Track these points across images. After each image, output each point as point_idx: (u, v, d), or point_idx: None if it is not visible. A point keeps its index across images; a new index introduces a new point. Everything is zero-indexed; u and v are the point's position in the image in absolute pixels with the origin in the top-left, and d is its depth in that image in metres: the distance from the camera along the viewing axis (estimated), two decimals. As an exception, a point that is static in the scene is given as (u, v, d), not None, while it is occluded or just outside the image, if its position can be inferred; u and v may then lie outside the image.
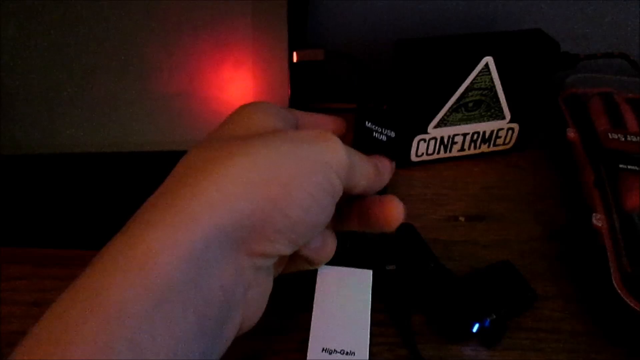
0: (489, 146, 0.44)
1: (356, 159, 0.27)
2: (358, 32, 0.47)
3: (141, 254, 0.20)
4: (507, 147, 0.44)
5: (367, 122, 0.38)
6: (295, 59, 0.40)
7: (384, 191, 0.37)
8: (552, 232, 0.39)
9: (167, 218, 0.21)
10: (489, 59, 0.38)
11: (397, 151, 0.41)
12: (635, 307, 0.30)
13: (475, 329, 0.30)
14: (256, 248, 0.23)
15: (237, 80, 0.40)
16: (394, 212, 0.28)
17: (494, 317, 0.31)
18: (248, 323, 0.25)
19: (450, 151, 0.43)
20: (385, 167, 0.31)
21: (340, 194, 0.27)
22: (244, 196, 0.22)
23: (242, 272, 0.23)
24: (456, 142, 0.43)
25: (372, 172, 0.29)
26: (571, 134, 0.42)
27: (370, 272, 0.32)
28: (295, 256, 0.28)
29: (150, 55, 0.41)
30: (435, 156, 0.43)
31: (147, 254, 0.20)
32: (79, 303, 0.19)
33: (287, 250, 0.25)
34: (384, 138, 0.39)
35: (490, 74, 0.39)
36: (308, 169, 0.24)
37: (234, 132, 0.26)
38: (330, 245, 0.29)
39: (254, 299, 0.24)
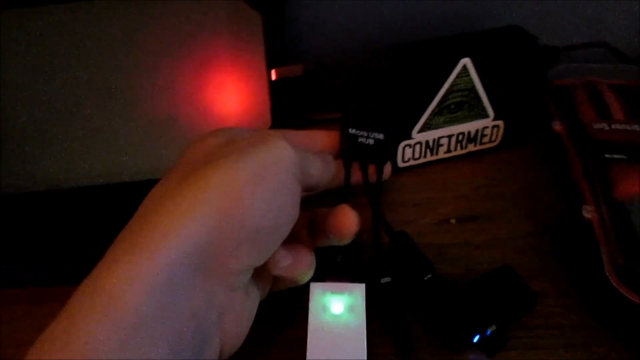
0: (475, 145, 0.44)
1: (302, 152, 0.27)
2: (337, 42, 0.47)
3: (106, 294, 0.20)
4: (495, 144, 0.44)
5: (350, 129, 0.37)
6: (274, 77, 0.40)
7: (378, 194, 0.36)
8: (545, 227, 0.38)
9: (127, 256, 0.21)
10: (466, 61, 0.38)
11: (390, 152, 0.40)
12: (631, 299, 0.30)
13: (476, 340, 0.30)
14: (222, 267, 0.23)
15: (218, 103, 0.41)
16: (346, 221, 0.28)
17: (495, 328, 0.30)
18: (229, 347, 0.25)
19: (437, 154, 0.43)
20: (329, 157, 0.32)
21: (299, 190, 0.27)
22: (197, 219, 0.22)
23: (214, 296, 0.23)
24: (442, 145, 0.43)
25: (320, 162, 0.29)
26: (557, 126, 0.41)
27: (363, 285, 0.31)
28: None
29: (131, 85, 0.41)
30: (422, 160, 0.43)
31: (111, 294, 0.20)
32: (48, 353, 0.19)
33: (255, 262, 0.25)
34: (372, 142, 0.37)
35: (469, 74, 0.39)
36: (258, 173, 0.24)
37: (191, 160, 0.26)
38: (305, 261, 0.29)
39: (232, 321, 0.24)
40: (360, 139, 0.36)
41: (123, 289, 0.20)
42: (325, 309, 0.30)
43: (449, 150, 0.43)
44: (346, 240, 0.29)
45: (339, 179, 0.35)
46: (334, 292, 0.31)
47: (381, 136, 0.36)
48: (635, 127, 0.39)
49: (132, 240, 0.22)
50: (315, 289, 0.31)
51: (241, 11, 0.40)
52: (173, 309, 0.21)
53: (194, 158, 0.26)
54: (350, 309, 0.30)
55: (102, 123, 0.41)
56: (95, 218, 0.40)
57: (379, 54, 0.39)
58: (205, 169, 0.24)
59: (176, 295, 0.21)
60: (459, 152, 0.44)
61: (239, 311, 0.25)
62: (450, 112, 0.41)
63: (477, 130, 0.43)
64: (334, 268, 0.33)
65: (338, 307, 0.31)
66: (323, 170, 0.30)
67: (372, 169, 0.37)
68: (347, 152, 0.36)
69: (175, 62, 0.41)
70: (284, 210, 0.25)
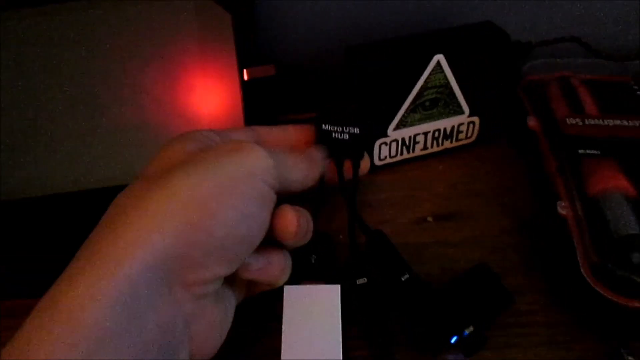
0: (452, 142, 0.43)
1: (282, 157, 0.27)
2: (310, 42, 0.46)
3: (66, 309, 0.19)
4: (471, 140, 0.44)
5: (324, 125, 0.36)
6: (246, 77, 0.39)
7: (354, 190, 0.36)
8: (522, 223, 0.38)
9: (89, 268, 0.20)
10: (439, 57, 0.38)
11: (365, 146, 0.38)
12: (606, 295, 0.30)
13: (453, 341, 0.30)
14: (189, 277, 0.22)
15: (190, 105, 0.40)
16: (284, 222, 0.27)
17: (472, 329, 0.30)
18: (201, 356, 0.24)
19: (413, 151, 0.43)
20: (317, 155, 0.32)
21: (274, 199, 0.26)
22: (162, 229, 0.22)
23: (180, 306, 0.22)
24: (418, 142, 0.42)
25: (304, 165, 0.29)
26: (532, 122, 0.41)
27: (338, 287, 0.31)
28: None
29: (101, 89, 0.40)
30: (399, 158, 0.43)
31: (71, 309, 0.19)
32: None
33: (225, 271, 0.24)
34: (347, 137, 0.36)
35: (443, 71, 0.39)
36: (228, 183, 0.24)
37: (158, 167, 0.25)
38: (277, 263, 0.28)
39: (201, 330, 0.24)
40: (334, 134, 0.36)
41: (84, 305, 0.19)
42: (299, 310, 0.30)
43: (425, 148, 0.43)
44: (288, 241, 0.28)
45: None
46: (308, 294, 0.31)
47: (357, 130, 0.35)
48: (609, 122, 0.39)
49: (94, 251, 0.21)
50: (289, 291, 0.31)
51: (210, 11, 0.40)
52: (138, 323, 0.20)
53: (162, 164, 0.25)
54: (325, 310, 0.30)
55: (70, 130, 0.40)
56: (67, 226, 0.39)
57: (352, 53, 0.38)
58: (172, 176, 0.23)
59: (141, 309, 0.21)
60: (436, 149, 0.44)
61: (210, 320, 0.25)
62: (425, 109, 0.40)
63: (452, 127, 0.43)
64: (309, 270, 0.33)
65: (312, 308, 0.30)
66: (307, 172, 0.30)
67: (348, 166, 0.36)
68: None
69: (144, 63, 0.40)
70: (256, 220, 0.25)
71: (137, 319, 0.20)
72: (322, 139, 0.35)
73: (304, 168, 0.30)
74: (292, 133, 0.35)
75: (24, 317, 0.34)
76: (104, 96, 0.40)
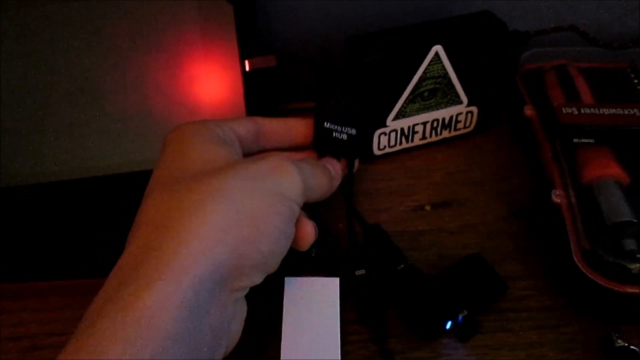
0: (450, 131, 0.44)
1: (309, 177, 0.29)
2: (310, 32, 0.47)
3: (138, 312, 0.21)
4: (469, 130, 0.45)
5: (325, 123, 0.37)
6: (247, 68, 0.40)
7: (350, 188, 0.37)
8: (518, 211, 0.39)
9: (156, 274, 0.22)
10: (438, 48, 0.39)
11: (361, 148, 0.40)
12: (598, 281, 0.31)
13: (448, 326, 0.31)
14: (235, 284, 0.25)
15: (192, 96, 0.40)
16: (306, 235, 0.30)
17: (466, 313, 0.31)
18: (230, 348, 0.26)
19: (412, 141, 0.43)
20: (336, 170, 0.33)
21: (298, 214, 0.28)
22: (222, 242, 0.23)
23: (226, 309, 0.24)
24: (417, 132, 0.43)
25: (325, 182, 0.31)
26: (528, 111, 0.42)
27: (337, 280, 0.32)
28: None
29: (104, 78, 0.41)
30: (397, 147, 0.43)
31: (143, 312, 0.21)
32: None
33: (260, 279, 0.26)
34: (345, 137, 0.38)
35: (441, 61, 0.39)
36: (270, 202, 0.26)
37: (188, 168, 0.26)
38: (308, 231, 0.30)
39: (235, 329, 0.26)
40: (335, 134, 0.37)
41: (153, 308, 0.21)
42: (299, 303, 0.31)
43: (424, 137, 0.44)
44: (303, 249, 0.30)
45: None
46: (308, 286, 0.32)
47: (354, 131, 0.37)
48: (604, 110, 0.39)
49: (159, 258, 0.22)
50: (290, 283, 0.32)
51: (212, 1, 0.40)
52: (198, 326, 0.22)
53: (195, 167, 0.26)
54: (324, 302, 0.31)
55: (74, 117, 0.41)
56: (67, 213, 0.40)
57: (351, 44, 0.39)
58: (225, 187, 0.25)
59: (201, 313, 0.22)
60: (434, 138, 0.44)
61: (242, 318, 0.27)
62: (423, 99, 0.41)
63: (451, 117, 0.43)
64: (309, 263, 0.34)
65: (312, 300, 0.31)
66: (328, 188, 0.32)
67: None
68: (321, 145, 0.36)
69: (147, 53, 0.41)
70: (290, 236, 0.27)
71: (198, 322, 0.22)
72: (322, 136, 0.36)
73: (325, 184, 0.31)
74: (292, 126, 0.35)
75: (22, 300, 0.35)
76: (106, 85, 0.41)
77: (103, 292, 0.23)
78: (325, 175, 0.31)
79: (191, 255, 0.22)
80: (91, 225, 0.38)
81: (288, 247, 0.27)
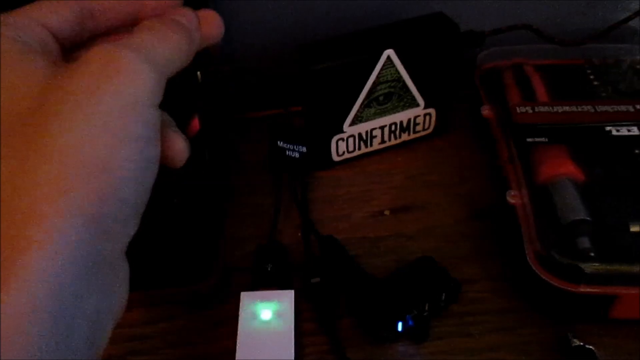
0: (409, 134, 0.44)
1: (158, 48, 0.20)
2: (264, 41, 0.46)
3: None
4: (428, 131, 0.45)
5: (279, 142, 0.39)
6: (200, 79, 0.40)
7: (304, 201, 0.37)
8: (476, 213, 0.39)
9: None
10: (390, 52, 0.38)
11: (311, 164, 0.42)
12: (551, 282, 0.31)
13: (400, 328, 0.31)
14: (117, 248, 0.19)
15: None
16: (176, 153, 0.22)
17: (415, 312, 0.31)
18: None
19: (371, 145, 0.43)
20: (189, 19, 0.22)
21: (160, 116, 0.20)
22: (66, 215, 0.16)
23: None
24: (375, 136, 0.43)
25: (183, 40, 0.21)
26: (485, 111, 0.42)
27: (292, 292, 0.32)
28: None
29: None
30: (357, 152, 0.43)
31: None
32: None
33: (136, 228, 0.19)
34: (297, 155, 0.40)
35: (394, 65, 0.39)
36: (116, 124, 0.18)
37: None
38: (178, 147, 0.22)
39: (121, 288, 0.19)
40: (287, 152, 0.39)
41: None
42: (254, 316, 0.31)
43: (383, 141, 0.43)
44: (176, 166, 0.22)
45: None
46: (263, 299, 0.32)
47: (304, 149, 0.38)
48: (558, 108, 0.39)
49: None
50: (245, 297, 0.32)
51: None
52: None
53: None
54: (279, 314, 0.31)
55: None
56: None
57: (304, 51, 0.38)
58: (47, 137, 0.17)
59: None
60: (394, 142, 0.44)
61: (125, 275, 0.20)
62: (379, 103, 0.41)
63: (409, 120, 0.43)
64: (265, 278, 0.34)
65: (267, 313, 0.31)
66: (187, 47, 0.21)
67: None
68: (275, 163, 0.37)
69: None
70: (156, 156, 0.20)
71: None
72: (276, 155, 0.38)
73: (184, 42, 0.21)
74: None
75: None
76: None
77: None
78: (180, 32, 0.21)
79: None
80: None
81: (157, 164, 0.20)
